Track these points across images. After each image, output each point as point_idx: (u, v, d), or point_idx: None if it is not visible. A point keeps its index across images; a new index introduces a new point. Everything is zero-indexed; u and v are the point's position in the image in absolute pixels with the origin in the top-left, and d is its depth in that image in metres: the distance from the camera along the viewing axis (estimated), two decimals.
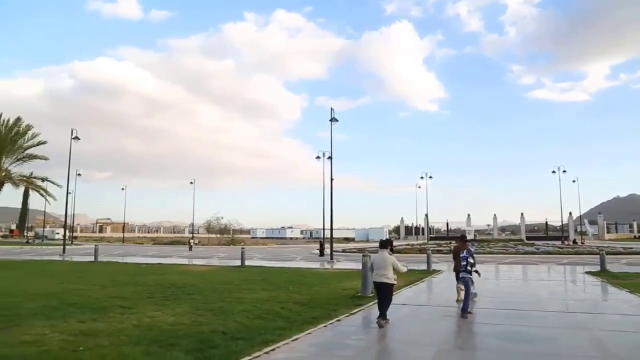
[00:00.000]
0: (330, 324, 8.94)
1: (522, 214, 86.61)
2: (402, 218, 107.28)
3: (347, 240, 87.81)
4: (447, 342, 7.80)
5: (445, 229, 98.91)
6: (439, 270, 21.08)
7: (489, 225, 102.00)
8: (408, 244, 55.71)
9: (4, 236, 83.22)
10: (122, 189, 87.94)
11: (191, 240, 57.28)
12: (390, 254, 8.94)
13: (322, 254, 38.18)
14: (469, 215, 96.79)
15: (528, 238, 78.03)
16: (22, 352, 6.44)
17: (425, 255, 23.95)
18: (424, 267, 22.14)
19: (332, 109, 33.83)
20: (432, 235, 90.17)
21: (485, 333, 8.41)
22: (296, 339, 7.51)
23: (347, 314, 9.96)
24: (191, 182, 78.51)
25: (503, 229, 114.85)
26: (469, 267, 10.30)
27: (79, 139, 41.35)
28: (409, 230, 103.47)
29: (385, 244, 9.29)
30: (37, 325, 8.33)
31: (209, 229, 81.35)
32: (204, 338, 7.38)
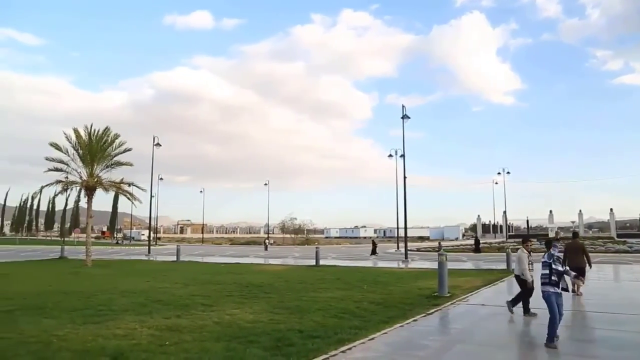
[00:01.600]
0: (407, 323, 8.81)
1: (611, 209, 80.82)
2: (478, 216, 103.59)
3: (422, 239, 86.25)
4: (531, 345, 7.44)
5: (525, 226, 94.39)
6: None
7: (573, 222, 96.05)
8: (486, 242, 53.76)
9: (96, 237, 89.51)
10: (201, 191, 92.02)
11: (267, 241, 58.73)
12: (523, 252, 9.76)
13: (374, 252, 38.11)
14: (550, 211, 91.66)
15: (619, 235, 72.58)
16: (116, 345, 6.90)
17: (505, 254, 22.99)
18: (502, 266, 21.29)
19: (403, 106, 33.38)
20: (511, 233, 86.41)
21: (573, 337, 7.94)
22: (372, 339, 7.47)
23: (423, 314, 9.78)
24: (265, 184, 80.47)
25: (590, 226, 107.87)
26: (553, 278, 7.19)
27: (160, 145, 43.73)
28: (486, 228, 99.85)
29: (524, 240, 10.42)
30: (127, 320, 8.89)
31: (283, 229, 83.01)
32: (281, 336, 7.53)
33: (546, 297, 7.20)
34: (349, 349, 6.81)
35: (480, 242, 43.41)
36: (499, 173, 76.41)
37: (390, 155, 42.28)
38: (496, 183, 79.30)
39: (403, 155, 35.29)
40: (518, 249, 10.20)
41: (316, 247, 30.42)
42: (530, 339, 7.84)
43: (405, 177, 33.78)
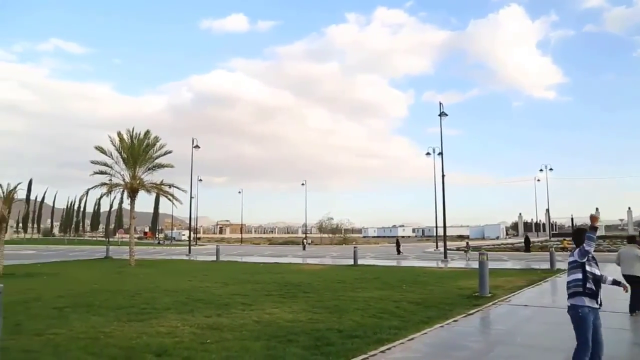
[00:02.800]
0: (447, 324, 8.70)
1: None
2: (520, 214, 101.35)
3: (461, 238, 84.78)
4: None
5: (570, 224, 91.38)
6: (564, 270, 19.58)
7: (622, 219, 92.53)
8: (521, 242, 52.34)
9: (139, 238, 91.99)
10: (239, 192, 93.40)
11: (304, 240, 58.96)
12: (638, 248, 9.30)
13: (398, 252, 37.84)
14: (597, 209, 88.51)
15: None
16: (160, 342, 7.09)
17: (548, 253, 22.35)
18: (545, 265, 20.71)
19: (440, 103, 32.93)
20: (554, 232, 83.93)
21: (624, 339, 7.64)
22: (412, 339, 7.41)
23: (464, 315, 9.62)
24: (302, 184, 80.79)
25: None
26: (589, 285, 4.80)
27: (199, 147, 44.58)
28: (528, 227, 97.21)
29: (633, 239, 9.86)
30: (170, 318, 9.11)
31: (321, 228, 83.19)
32: (320, 335, 7.55)
33: (579, 315, 4.76)
34: (389, 349, 6.78)
35: (531, 241, 42.38)
36: (541, 170, 74.29)
37: (428, 154, 41.76)
38: (538, 180, 77.18)
39: (441, 153, 34.76)
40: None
41: (354, 247, 30.36)
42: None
43: (443, 176, 33.30)
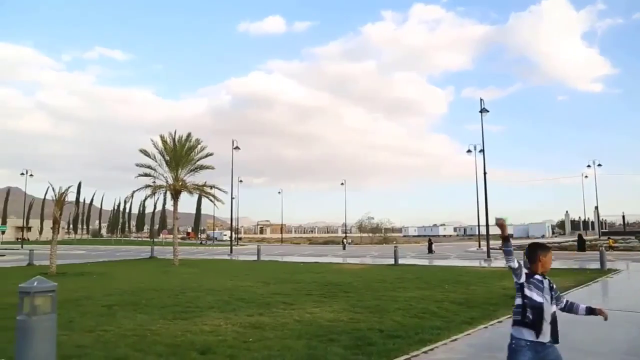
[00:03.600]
0: (491, 325, 8.51)
1: None
2: (566, 212, 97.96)
3: None
4: (630, 352, 6.90)
5: (621, 222, 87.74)
6: (615, 270, 18.83)
7: None
8: (576, 240, 50.57)
9: (182, 238, 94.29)
10: (279, 192, 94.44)
11: (344, 240, 58.95)
12: None
13: (430, 251, 37.22)
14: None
15: None
16: (203, 340, 7.23)
17: (598, 252, 21.52)
18: (594, 265, 19.96)
19: (481, 99, 32.34)
20: (604, 230, 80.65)
21: None
22: (455, 340, 7.29)
23: (508, 316, 9.35)
24: (342, 183, 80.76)
25: None
26: (528, 314, 3.67)
27: (239, 149, 45.29)
28: (575, 225, 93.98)
29: None
30: (213, 317, 9.27)
31: (360, 228, 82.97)
32: (361, 335, 7.52)
33: (511, 348, 3.71)
34: (431, 349, 6.68)
35: (585, 240, 41.03)
36: (588, 166, 71.32)
37: (469, 151, 40.98)
38: (586, 176, 74.32)
39: (482, 150, 34.10)
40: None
41: (394, 246, 30.13)
42: (628, 347, 7.28)
43: (485, 173, 32.66)
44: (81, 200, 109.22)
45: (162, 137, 28.36)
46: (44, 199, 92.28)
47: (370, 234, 79.68)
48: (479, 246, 44.07)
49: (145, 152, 28.33)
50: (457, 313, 9.60)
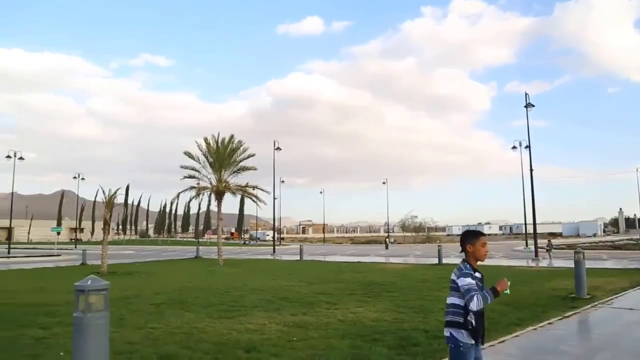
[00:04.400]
0: (540, 326, 8.24)
1: None
2: (620, 209, 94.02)
3: (553, 235, 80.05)
4: None
5: None
6: None
7: None
8: (630, 239, 48.45)
9: (226, 238, 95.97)
10: (320, 192, 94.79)
11: (387, 239, 58.49)
12: None
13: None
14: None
15: None
16: (248, 338, 7.33)
17: None
18: None
19: (526, 94, 31.35)
20: None
21: None
22: (502, 341, 7.10)
23: (559, 317, 9.07)
24: (383, 182, 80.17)
25: None
26: (470, 319, 3.52)
27: (280, 149, 45.69)
28: (630, 223, 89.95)
29: None
30: (257, 316, 9.39)
31: (403, 227, 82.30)
32: (405, 335, 7.45)
33: (454, 352, 3.62)
34: None
35: (613, 237, 39.27)
36: None
37: (514, 147, 39.82)
38: None
39: (528, 146, 33.16)
40: None
41: (438, 245, 29.67)
42: None
43: (531, 170, 31.69)
44: (129, 202, 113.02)
45: (205, 140, 28.95)
46: (95, 201, 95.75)
47: (414, 233, 78.90)
48: (526, 245, 42.84)
49: (189, 155, 28.99)
50: (504, 314, 9.36)
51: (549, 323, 8.52)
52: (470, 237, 3.71)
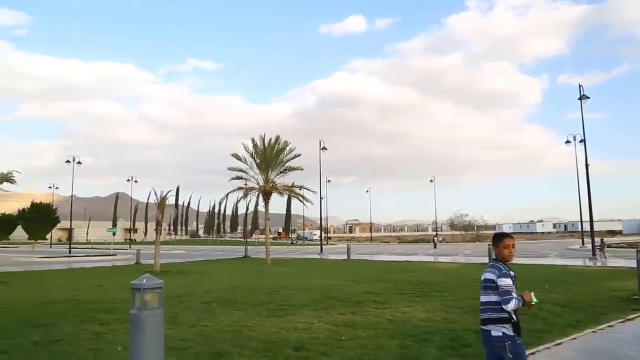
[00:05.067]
0: (600, 329, 7.88)
1: None
2: None
3: (612, 233, 76.52)
4: None
5: None
6: None
7: None
8: None
9: (274, 238, 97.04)
10: (367, 191, 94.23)
11: (435, 238, 57.57)
12: None
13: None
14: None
15: None
16: (297, 337, 7.39)
17: None
18: None
19: (580, 85, 30.08)
20: None
21: None
22: (559, 344, 6.84)
23: (621, 320, 8.64)
24: (431, 181, 78.90)
25: None
26: (509, 314, 3.82)
27: (326, 149, 45.80)
28: None
29: None
30: (306, 315, 9.45)
31: (452, 226, 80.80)
32: (456, 336, 7.30)
33: (513, 348, 3.72)
34: (533, 354, 6.31)
35: None
36: None
37: (568, 142, 38.36)
38: None
39: (583, 140, 31.82)
40: None
41: (488, 245, 28.91)
42: None
43: (587, 165, 30.42)
44: (180, 203, 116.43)
45: (253, 141, 29.35)
46: (147, 202, 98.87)
47: (463, 232, 77.29)
48: (583, 244, 41.15)
49: (237, 156, 29.49)
50: (561, 316, 9.02)
51: (609, 326, 8.14)
52: (495, 240, 4.01)
